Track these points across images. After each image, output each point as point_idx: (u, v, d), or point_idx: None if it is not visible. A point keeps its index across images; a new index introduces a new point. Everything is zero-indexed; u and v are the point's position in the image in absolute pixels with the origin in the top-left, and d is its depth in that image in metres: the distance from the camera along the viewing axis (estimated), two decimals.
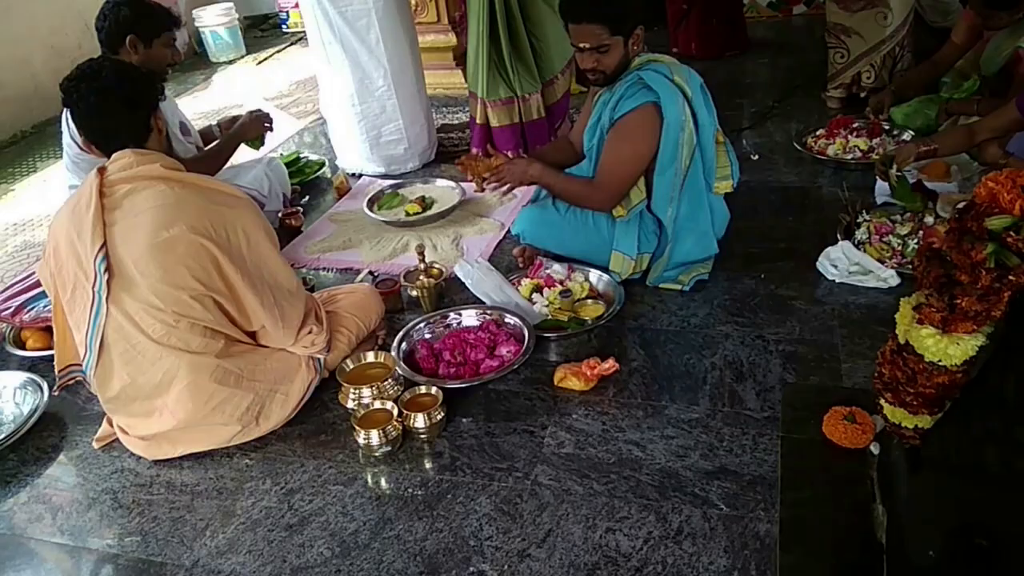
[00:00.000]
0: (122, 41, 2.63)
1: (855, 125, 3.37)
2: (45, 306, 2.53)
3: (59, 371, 2.18)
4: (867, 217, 2.65)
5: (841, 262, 2.49)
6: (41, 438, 2.23)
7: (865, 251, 2.51)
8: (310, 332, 2.14)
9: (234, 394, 2.01)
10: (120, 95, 1.94)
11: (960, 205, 1.17)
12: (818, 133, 3.43)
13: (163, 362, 1.96)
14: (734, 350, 2.25)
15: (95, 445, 2.16)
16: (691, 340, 2.31)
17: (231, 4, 6.26)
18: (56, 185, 4.34)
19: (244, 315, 2.04)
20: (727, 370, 2.18)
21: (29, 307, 2.56)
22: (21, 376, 2.39)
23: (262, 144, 3.22)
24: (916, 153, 2.64)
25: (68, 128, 2.67)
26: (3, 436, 2.17)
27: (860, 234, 2.60)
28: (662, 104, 2.34)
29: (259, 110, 3.19)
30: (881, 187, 2.80)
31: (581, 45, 2.33)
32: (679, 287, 2.52)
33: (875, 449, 1.67)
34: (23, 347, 2.56)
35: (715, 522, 1.72)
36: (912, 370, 1.16)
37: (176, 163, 2.03)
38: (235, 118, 3.22)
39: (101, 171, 1.96)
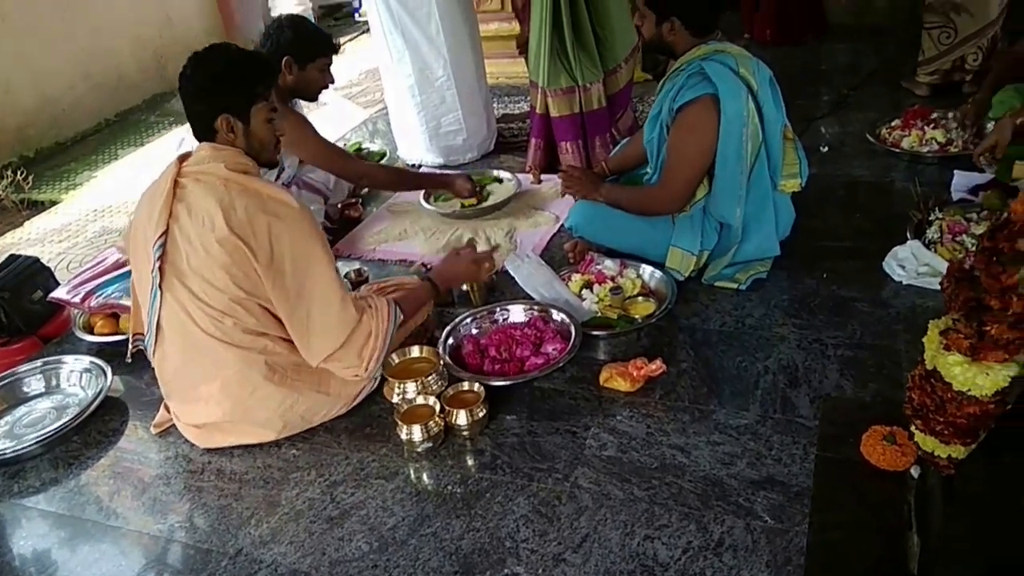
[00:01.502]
0: (279, 61, 2.72)
1: (933, 116, 3.19)
2: (112, 292, 2.62)
3: (132, 335, 2.24)
4: (940, 215, 2.50)
5: (909, 263, 2.36)
6: (103, 422, 2.31)
7: (936, 251, 2.38)
8: (348, 367, 2.04)
9: (278, 391, 2.02)
10: (192, 88, 1.94)
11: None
12: (893, 124, 3.26)
13: (212, 353, 1.98)
14: (789, 353, 2.17)
15: (153, 431, 2.22)
16: (744, 342, 2.24)
17: None
18: (135, 173, 4.51)
19: None
20: (781, 374, 2.10)
21: (98, 293, 2.63)
22: (86, 360, 2.48)
23: None
24: (1014, 127, 2.46)
25: None
26: (68, 419, 2.25)
27: (931, 233, 2.46)
28: (720, 97, 2.27)
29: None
30: (958, 183, 2.64)
31: None
32: (735, 286, 2.44)
33: (915, 473, 1.57)
34: (91, 332, 2.64)
35: (758, 534, 1.66)
36: (941, 398, 1.07)
37: (245, 164, 1.97)
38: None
39: (181, 160, 1.98)
